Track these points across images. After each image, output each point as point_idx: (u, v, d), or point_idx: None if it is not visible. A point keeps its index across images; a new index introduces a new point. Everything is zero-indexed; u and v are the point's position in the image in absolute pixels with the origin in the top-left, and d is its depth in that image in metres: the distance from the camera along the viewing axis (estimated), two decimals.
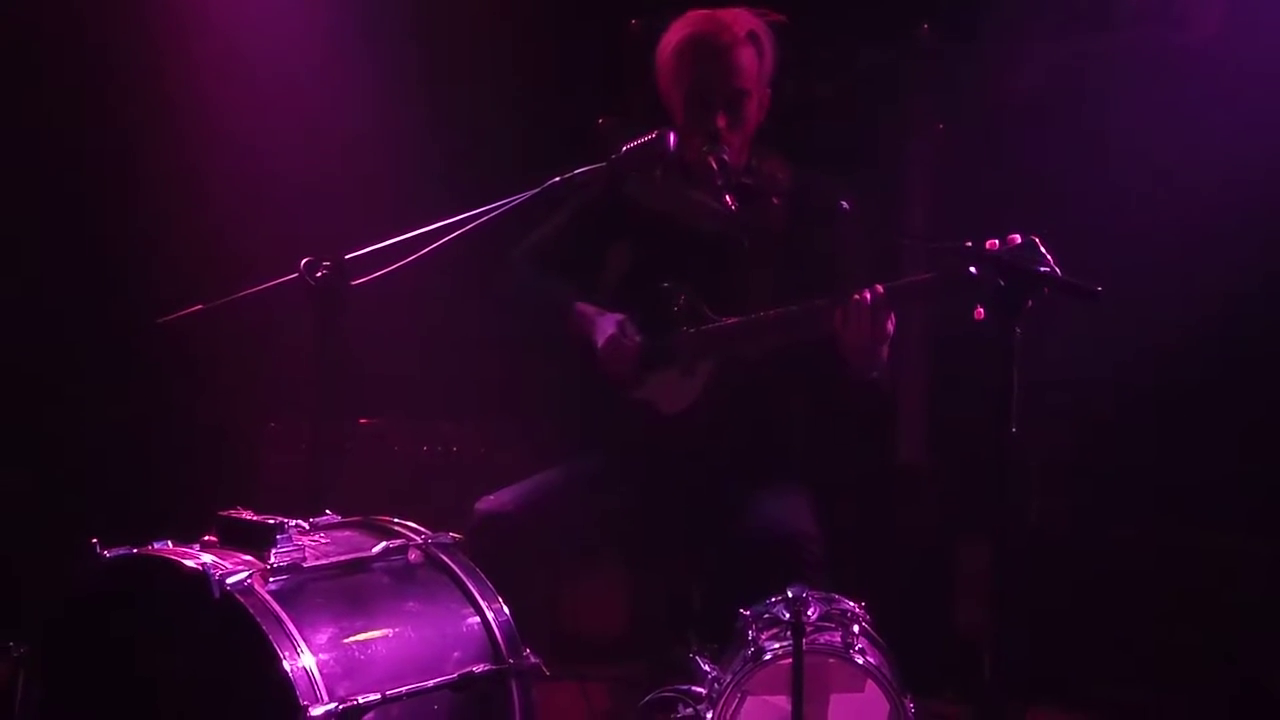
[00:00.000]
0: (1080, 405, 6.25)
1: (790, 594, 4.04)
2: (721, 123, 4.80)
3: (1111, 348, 5.97)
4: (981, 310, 4.00)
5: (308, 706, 3.36)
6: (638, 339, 4.84)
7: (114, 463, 6.54)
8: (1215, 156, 5.85)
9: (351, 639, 3.58)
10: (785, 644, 4.00)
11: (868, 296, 4.46)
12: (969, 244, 3.94)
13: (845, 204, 4.48)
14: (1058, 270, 3.80)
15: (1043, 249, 3.81)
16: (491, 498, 4.74)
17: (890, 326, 4.51)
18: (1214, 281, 5.94)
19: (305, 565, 3.65)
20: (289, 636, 3.44)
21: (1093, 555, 6.18)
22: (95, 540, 3.61)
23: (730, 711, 4.07)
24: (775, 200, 4.88)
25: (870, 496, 6.32)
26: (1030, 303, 3.76)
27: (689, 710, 4.15)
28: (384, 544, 3.84)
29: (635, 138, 4.42)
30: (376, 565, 3.81)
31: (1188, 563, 6.04)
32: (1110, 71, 6.26)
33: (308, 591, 3.62)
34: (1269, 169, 5.83)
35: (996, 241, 3.87)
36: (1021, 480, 5.50)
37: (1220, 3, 6.13)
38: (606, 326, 4.85)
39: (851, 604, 4.23)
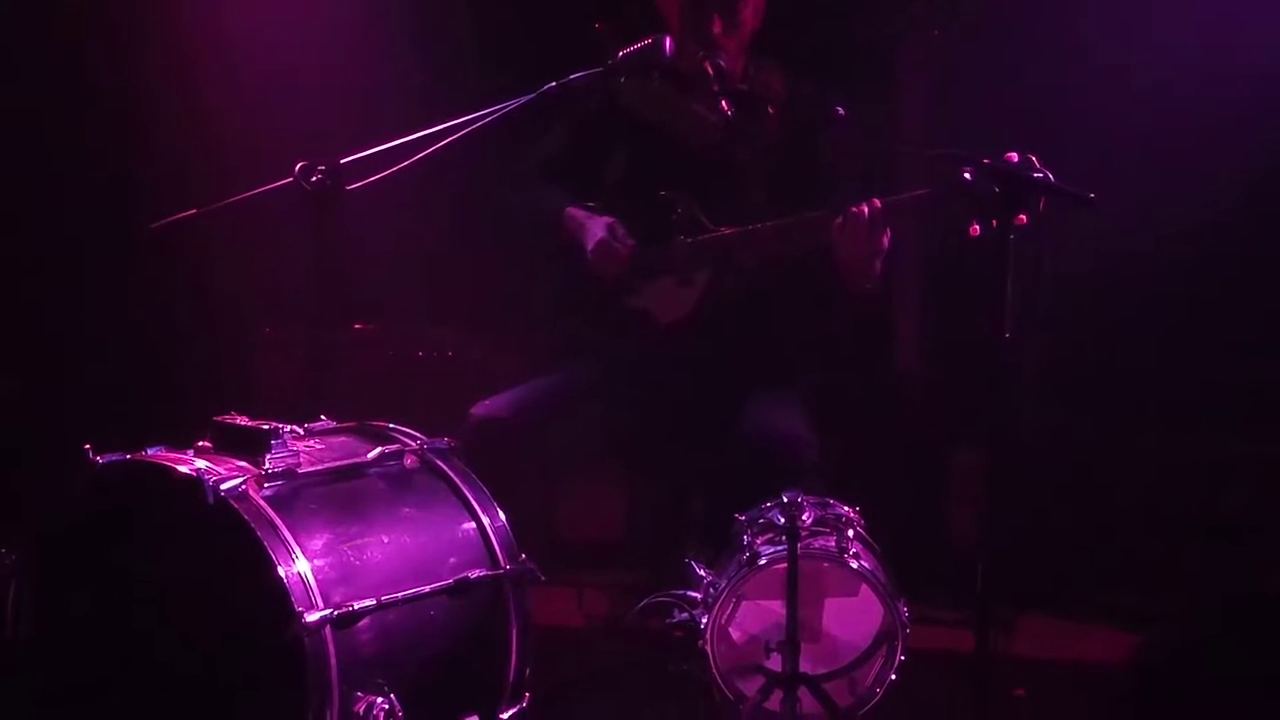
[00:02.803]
0: (1080, 312, 6.18)
1: (785, 499, 4.06)
2: (717, 28, 4.80)
3: (1111, 254, 5.94)
4: (977, 227, 3.97)
5: (303, 612, 3.37)
6: (630, 242, 4.84)
7: (108, 369, 6.51)
8: (1213, 61, 5.80)
9: (347, 545, 3.59)
10: (780, 549, 4.03)
11: (865, 211, 4.45)
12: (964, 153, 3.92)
13: (841, 110, 4.47)
14: (1052, 179, 3.80)
15: (1037, 164, 3.80)
16: (487, 402, 4.75)
17: (886, 241, 4.50)
18: (1212, 188, 5.89)
19: (300, 471, 3.66)
20: (284, 542, 3.45)
21: (1088, 461, 6.17)
22: (89, 446, 3.61)
23: (726, 616, 4.11)
24: (771, 109, 4.87)
25: (867, 403, 6.30)
26: (1025, 216, 3.78)
27: (684, 615, 4.18)
28: (380, 449, 3.85)
29: (632, 43, 4.41)
30: (372, 471, 3.82)
31: (1184, 469, 6.04)
32: None
33: (302, 497, 3.63)
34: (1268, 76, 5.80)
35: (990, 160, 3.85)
36: (1016, 386, 5.50)
37: None
38: (596, 230, 4.86)
39: (846, 509, 4.26)
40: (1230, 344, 6.07)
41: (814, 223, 4.57)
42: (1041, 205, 3.81)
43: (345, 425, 4.01)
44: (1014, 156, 3.83)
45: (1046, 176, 3.81)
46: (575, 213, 4.94)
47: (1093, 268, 5.98)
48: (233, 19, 6.53)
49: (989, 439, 3.97)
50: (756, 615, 4.11)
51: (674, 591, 4.23)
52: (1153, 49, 5.84)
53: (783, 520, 4.02)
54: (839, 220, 4.49)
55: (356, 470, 3.80)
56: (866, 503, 4.39)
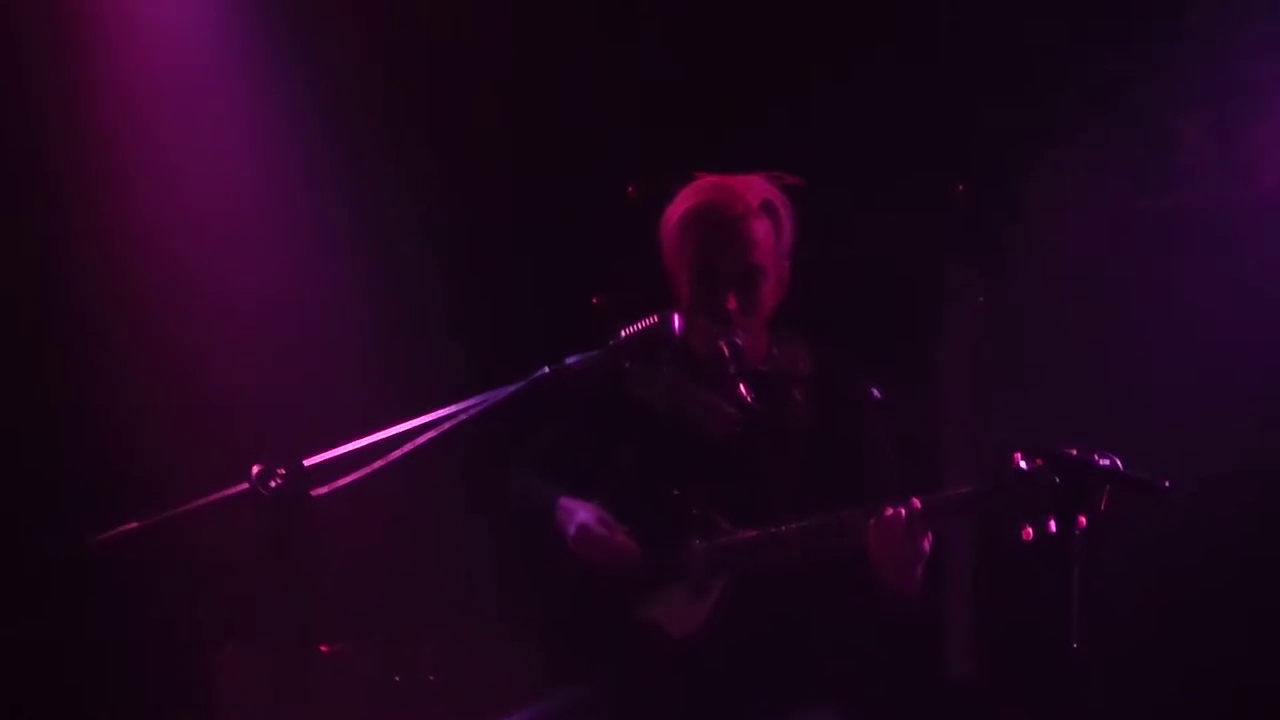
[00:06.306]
0: (1148, 593, 5.89)
1: None
2: (733, 304, 4.44)
3: (1175, 533, 5.64)
4: (1030, 530, 3.78)
5: None
6: (624, 535, 4.50)
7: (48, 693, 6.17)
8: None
9: None
10: None
11: (902, 513, 4.13)
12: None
13: (876, 392, 4.28)
14: (1120, 465, 3.67)
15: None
16: None
17: (927, 544, 4.18)
18: None
19: None
20: None
21: None
22: None
23: None
24: (796, 393, 4.57)
25: (917, 717, 5.98)
26: (1085, 518, 3.64)
27: None
28: None
29: (635, 320, 4.09)
30: None
31: None
32: (1167, 232, 6.05)
33: None
34: None
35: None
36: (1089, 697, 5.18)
37: None
38: (580, 514, 4.52)
39: None
40: None
41: (845, 524, 4.23)
42: (1107, 496, 3.63)
43: None
44: (1073, 451, 3.68)
45: (1114, 464, 3.65)
46: (569, 503, 4.58)
47: (1161, 547, 5.73)
48: (185, 303, 6.31)
49: None
50: None
51: None
52: (1225, 305, 5.78)
53: None
54: (873, 522, 4.16)
55: None
56: None
